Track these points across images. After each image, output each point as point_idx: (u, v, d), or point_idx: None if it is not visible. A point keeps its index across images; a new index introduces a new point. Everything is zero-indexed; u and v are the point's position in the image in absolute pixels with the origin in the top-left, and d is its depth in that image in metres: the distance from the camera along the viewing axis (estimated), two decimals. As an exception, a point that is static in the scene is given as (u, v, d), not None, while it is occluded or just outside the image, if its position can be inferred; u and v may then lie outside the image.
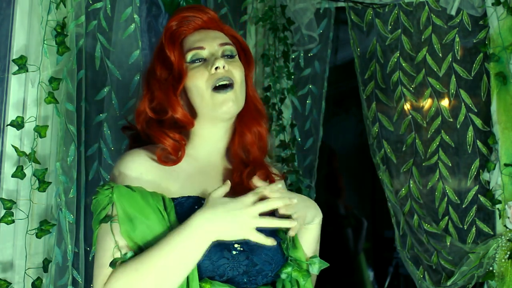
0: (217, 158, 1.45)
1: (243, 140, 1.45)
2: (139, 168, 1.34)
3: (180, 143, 1.38)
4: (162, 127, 1.39)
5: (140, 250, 1.24)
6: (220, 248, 1.27)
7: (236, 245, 1.29)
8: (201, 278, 1.25)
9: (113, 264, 1.23)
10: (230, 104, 1.36)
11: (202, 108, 1.38)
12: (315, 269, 1.38)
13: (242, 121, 1.45)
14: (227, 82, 1.37)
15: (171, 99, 1.37)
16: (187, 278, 1.23)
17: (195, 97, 1.38)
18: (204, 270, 1.26)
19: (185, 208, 1.30)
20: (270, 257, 1.33)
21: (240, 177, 1.41)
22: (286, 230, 1.36)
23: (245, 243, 1.29)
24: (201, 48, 1.40)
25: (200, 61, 1.40)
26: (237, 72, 1.40)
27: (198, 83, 1.37)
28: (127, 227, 1.25)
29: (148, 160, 1.36)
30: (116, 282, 1.19)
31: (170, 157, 1.37)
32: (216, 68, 1.36)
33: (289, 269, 1.33)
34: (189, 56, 1.40)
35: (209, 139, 1.44)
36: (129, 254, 1.24)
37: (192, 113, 1.41)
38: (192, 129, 1.43)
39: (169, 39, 1.41)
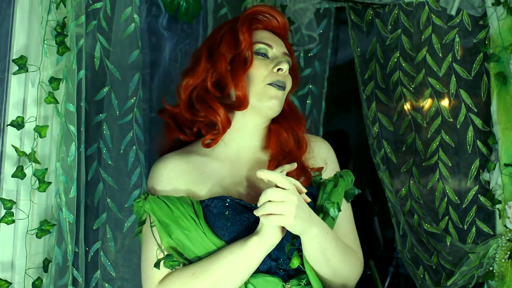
0: (248, 154, 1.48)
1: (280, 137, 1.48)
2: (170, 174, 1.42)
3: (229, 120, 1.44)
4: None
5: (178, 253, 1.34)
6: None
7: None
8: None
9: (157, 264, 1.33)
10: (277, 102, 1.43)
11: (250, 96, 1.43)
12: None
13: (278, 123, 1.49)
14: (281, 86, 1.44)
15: (239, 76, 1.41)
16: None
17: (248, 84, 1.43)
18: None
19: (212, 210, 1.35)
20: (300, 249, 1.35)
21: (275, 168, 1.41)
22: None
23: None
24: (270, 46, 1.47)
25: (263, 56, 1.46)
26: (289, 83, 1.48)
27: (258, 74, 1.43)
28: (163, 234, 1.33)
29: (178, 165, 1.43)
30: (172, 285, 1.30)
31: (212, 140, 1.43)
32: (279, 69, 1.43)
33: (294, 259, 1.34)
34: (257, 47, 1.46)
35: (243, 133, 1.47)
36: (171, 258, 1.33)
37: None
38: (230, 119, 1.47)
39: (247, 25, 1.46)
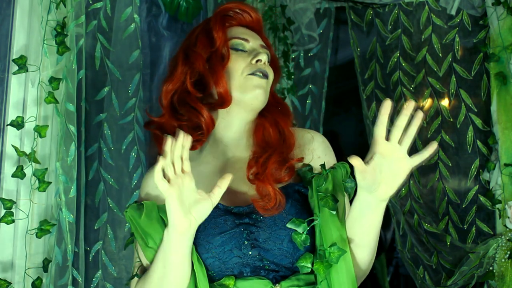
0: (234, 153, 1.44)
1: (264, 131, 1.44)
2: (153, 183, 1.39)
3: (213, 120, 1.41)
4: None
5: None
6: (230, 247, 1.28)
7: (246, 242, 1.29)
8: (220, 278, 1.29)
9: (126, 284, 1.39)
10: (261, 91, 1.40)
11: (232, 90, 1.40)
12: (333, 259, 1.28)
13: (263, 116, 1.46)
14: (264, 74, 1.41)
15: (218, 73, 1.39)
16: (195, 280, 1.28)
17: (228, 79, 1.40)
18: (217, 271, 1.29)
19: None
20: (285, 250, 1.30)
21: (256, 166, 1.36)
22: (303, 222, 1.31)
23: (255, 239, 1.29)
24: (245, 40, 1.45)
25: (241, 51, 1.44)
26: (270, 73, 1.44)
27: (236, 68, 1.40)
28: (141, 241, 1.33)
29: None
30: None
31: (196, 141, 1.40)
32: (258, 60, 1.41)
33: (304, 261, 1.29)
34: (232, 42, 1.44)
35: (229, 131, 1.44)
36: (138, 276, 1.35)
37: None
38: (216, 118, 1.44)
39: (219, 22, 1.44)
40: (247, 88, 1.39)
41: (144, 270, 1.35)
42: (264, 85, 1.40)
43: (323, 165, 1.40)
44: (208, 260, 1.29)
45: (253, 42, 1.45)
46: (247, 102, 1.40)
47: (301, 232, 1.30)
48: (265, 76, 1.41)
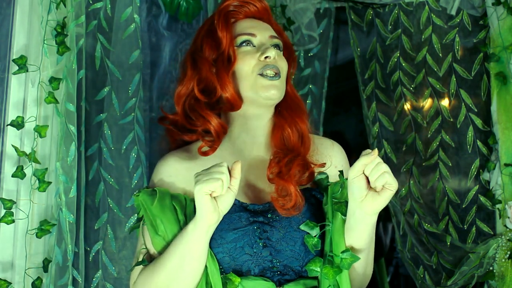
0: (251, 152, 1.43)
1: (283, 133, 1.43)
2: (168, 171, 1.41)
3: (223, 126, 1.40)
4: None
5: (164, 248, 1.32)
6: (241, 244, 1.29)
7: (258, 240, 1.30)
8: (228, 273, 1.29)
9: (132, 268, 1.35)
10: (274, 91, 1.38)
11: (245, 91, 1.39)
12: (345, 265, 1.29)
13: (282, 116, 1.44)
14: (274, 72, 1.38)
15: (223, 78, 1.37)
16: (207, 273, 1.28)
17: (239, 80, 1.39)
18: (226, 266, 1.30)
19: None
20: (297, 253, 1.31)
21: (278, 166, 1.36)
22: (317, 226, 1.32)
23: (267, 238, 1.29)
24: (252, 35, 1.42)
25: (249, 45, 1.41)
26: (283, 65, 1.42)
27: (246, 67, 1.39)
28: (151, 228, 1.32)
29: (180, 162, 1.41)
30: (138, 281, 1.32)
31: (209, 147, 1.40)
32: (266, 57, 1.38)
33: (314, 265, 1.30)
34: (239, 40, 1.41)
35: (246, 129, 1.43)
36: (144, 262, 1.33)
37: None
38: (231, 118, 1.43)
39: (223, 21, 1.42)
40: (259, 88, 1.38)
41: (150, 258, 1.33)
42: (277, 84, 1.38)
43: (341, 172, 1.40)
44: (218, 255, 1.29)
45: (261, 35, 1.42)
46: (262, 102, 1.39)
47: (313, 235, 1.31)
48: (277, 75, 1.38)
